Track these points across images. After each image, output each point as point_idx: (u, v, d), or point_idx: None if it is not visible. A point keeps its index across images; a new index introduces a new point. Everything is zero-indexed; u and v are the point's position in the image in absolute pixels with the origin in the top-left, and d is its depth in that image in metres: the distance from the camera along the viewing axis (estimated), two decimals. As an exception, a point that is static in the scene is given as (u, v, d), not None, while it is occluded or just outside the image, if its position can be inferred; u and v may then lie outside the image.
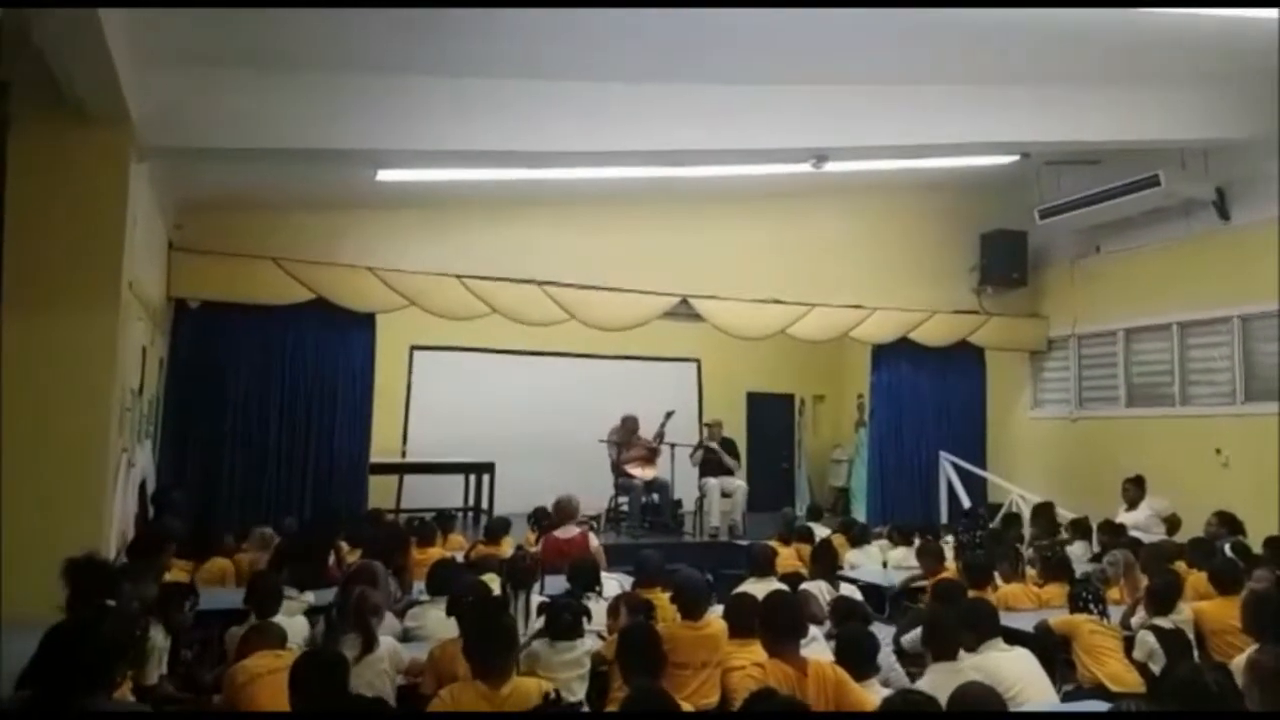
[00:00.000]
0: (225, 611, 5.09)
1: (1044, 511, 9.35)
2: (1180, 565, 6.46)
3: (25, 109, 5.14)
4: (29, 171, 5.23)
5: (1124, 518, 8.74)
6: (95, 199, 5.61)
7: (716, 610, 4.77)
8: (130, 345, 6.21)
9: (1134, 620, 5.38)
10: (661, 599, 5.16)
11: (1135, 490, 9.07)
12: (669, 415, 10.84)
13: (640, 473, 10.85)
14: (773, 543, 7.54)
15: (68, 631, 3.07)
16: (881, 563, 8.17)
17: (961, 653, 4.16)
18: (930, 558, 6.82)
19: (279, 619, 4.52)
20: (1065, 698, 4.55)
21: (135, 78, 5.36)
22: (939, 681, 3.58)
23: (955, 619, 4.35)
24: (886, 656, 4.75)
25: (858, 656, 4.12)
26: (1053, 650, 5.00)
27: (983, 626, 4.39)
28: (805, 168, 8.29)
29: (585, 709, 4.24)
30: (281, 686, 3.40)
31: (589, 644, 4.47)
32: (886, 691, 3.89)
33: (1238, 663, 3.95)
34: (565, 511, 7.45)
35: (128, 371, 6.19)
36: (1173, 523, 8.59)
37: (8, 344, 5.09)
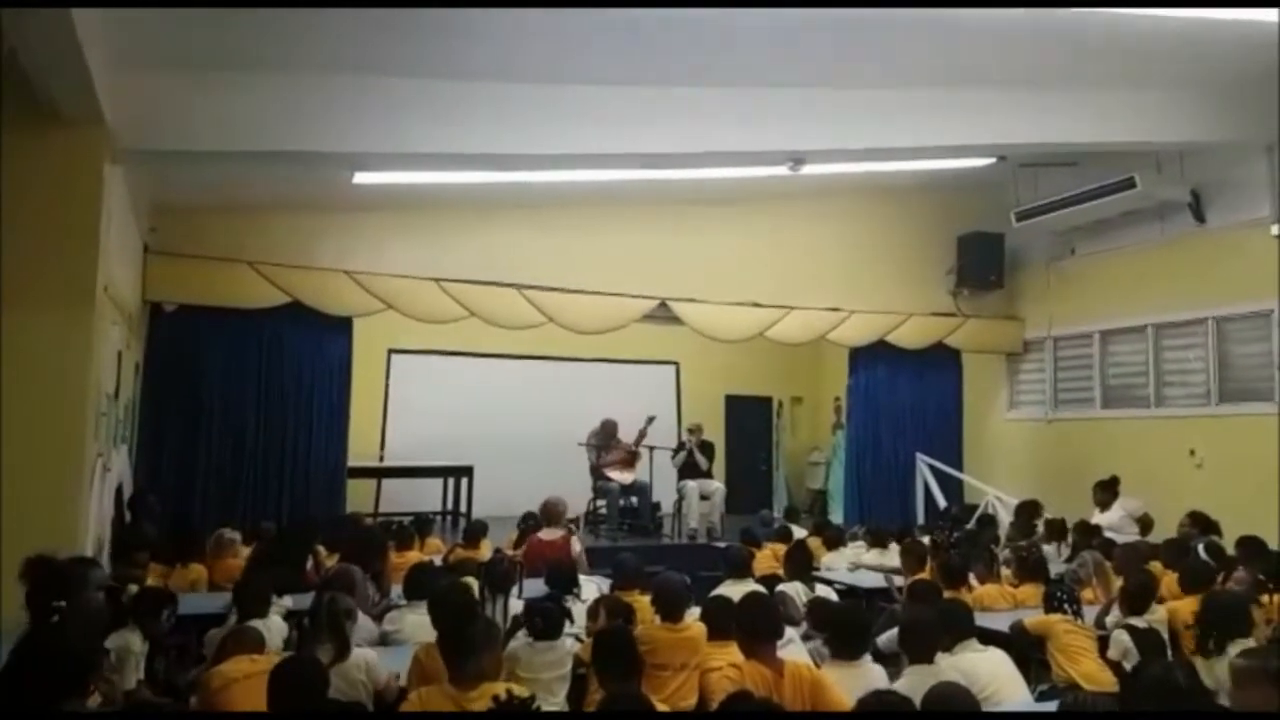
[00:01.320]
0: (200, 616, 5.07)
1: (1026, 510, 9.38)
2: (1155, 565, 6.52)
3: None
4: (2, 173, 5.17)
5: (1098, 518, 8.79)
6: (70, 201, 5.55)
7: (695, 612, 4.79)
8: (106, 349, 6.15)
9: (1108, 620, 5.42)
10: (641, 601, 5.17)
11: (1103, 494, 9.05)
12: (650, 420, 10.84)
13: (620, 476, 10.84)
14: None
15: (39, 638, 3.05)
16: (855, 564, 8.18)
17: (938, 654, 4.19)
18: (913, 559, 6.84)
19: (256, 623, 4.50)
20: (1040, 697, 4.58)
21: (110, 79, 5.31)
22: (916, 684, 3.59)
23: (932, 622, 4.37)
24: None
25: (850, 633, 4.21)
26: (1028, 650, 5.04)
27: (958, 627, 4.43)
28: (782, 170, 8.29)
29: (565, 709, 4.23)
30: (257, 691, 3.36)
31: (570, 645, 4.47)
32: (880, 670, 4.01)
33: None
34: (551, 513, 7.42)
35: (103, 375, 6.13)
36: (1145, 523, 8.65)
37: (-19, 348, 5.05)
